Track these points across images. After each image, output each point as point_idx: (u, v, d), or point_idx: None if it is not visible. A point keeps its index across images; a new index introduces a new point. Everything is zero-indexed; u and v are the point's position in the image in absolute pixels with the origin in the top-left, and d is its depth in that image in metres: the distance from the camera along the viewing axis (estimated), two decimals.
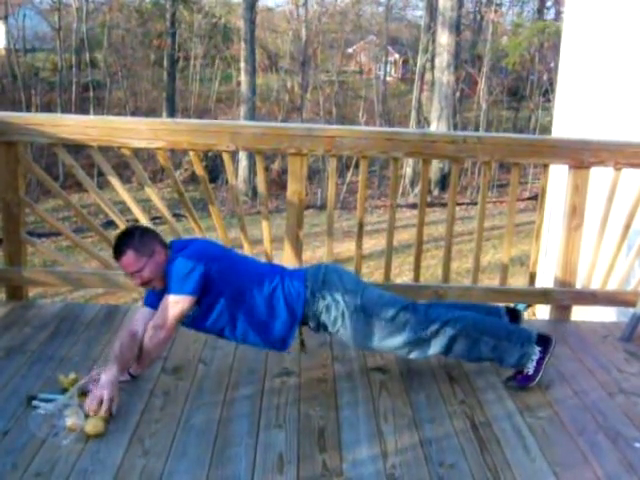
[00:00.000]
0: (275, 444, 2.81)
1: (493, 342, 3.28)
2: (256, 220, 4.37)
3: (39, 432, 2.78)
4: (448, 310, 3.36)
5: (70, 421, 2.80)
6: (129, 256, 3.12)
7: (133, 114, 25.35)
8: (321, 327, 3.28)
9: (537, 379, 3.32)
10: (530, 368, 3.33)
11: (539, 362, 3.32)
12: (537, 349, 3.32)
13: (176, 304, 3.10)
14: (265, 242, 4.24)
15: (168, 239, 3.37)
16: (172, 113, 26.44)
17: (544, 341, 3.35)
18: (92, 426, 2.79)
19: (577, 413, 3.17)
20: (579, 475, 2.72)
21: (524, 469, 2.72)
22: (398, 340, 3.23)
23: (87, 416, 2.83)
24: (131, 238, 3.17)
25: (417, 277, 4.35)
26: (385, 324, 3.20)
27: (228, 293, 3.19)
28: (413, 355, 3.30)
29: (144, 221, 4.15)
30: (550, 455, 2.81)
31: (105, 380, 2.97)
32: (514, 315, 3.65)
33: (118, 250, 3.16)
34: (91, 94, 26.42)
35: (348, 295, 3.21)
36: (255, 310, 3.21)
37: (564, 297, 4.26)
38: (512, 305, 3.82)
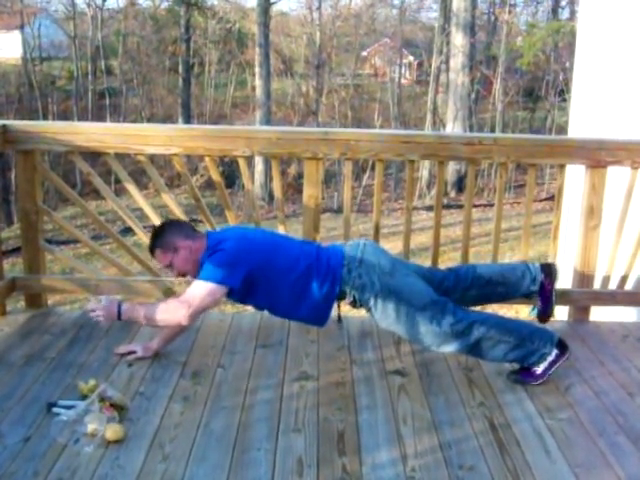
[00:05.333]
0: (294, 448, 2.81)
1: (515, 342, 3.29)
2: (273, 225, 4.37)
3: (60, 438, 2.79)
4: (475, 312, 3.39)
5: (91, 427, 2.81)
6: (157, 254, 3.42)
7: (149, 121, 25.48)
8: (357, 303, 3.37)
9: (542, 380, 3.34)
10: (540, 368, 3.34)
11: (551, 364, 3.33)
12: (555, 351, 3.32)
13: (211, 292, 3.21)
14: None
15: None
16: (188, 119, 26.57)
17: (562, 346, 3.35)
18: (112, 432, 2.81)
19: (597, 414, 3.15)
20: (600, 477, 2.70)
21: (544, 471, 2.71)
22: (422, 331, 3.27)
23: (108, 422, 2.85)
24: (157, 237, 3.44)
25: None
26: (413, 312, 3.25)
27: (263, 285, 3.33)
28: (434, 348, 3.34)
29: None
30: (570, 457, 2.80)
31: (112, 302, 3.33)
32: (549, 271, 3.67)
33: (150, 249, 3.46)
34: (107, 101, 26.61)
35: (384, 277, 3.29)
36: (292, 292, 3.33)
37: (583, 298, 4.24)
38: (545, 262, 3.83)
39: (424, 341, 3.32)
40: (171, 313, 3.23)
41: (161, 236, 3.42)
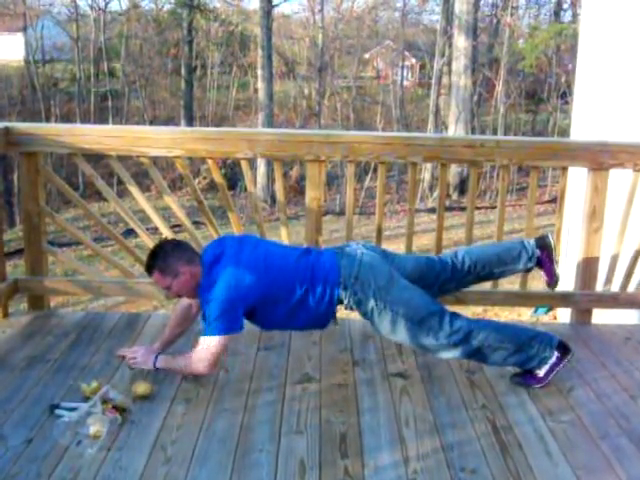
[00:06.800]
0: (296, 450, 2.81)
1: (514, 348, 3.29)
2: (275, 227, 4.38)
3: (62, 440, 2.80)
4: (472, 321, 3.37)
5: (93, 429, 2.81)
6: (156, 276, 3.29)
7: (151, 123, 25.52)
8: (354, 310, 3.36)
9: (544, 383, 3.34)
10: (542, 371, 3.34)
11: (552, 367, 3.33)
12: (555, 354, 3.32)
13: (219, 343, 3.15)
14: None
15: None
16: (190, 121, 26.57)
17: (563, 348, 3.35)
18: (143, 389, 3.10)
19: (599, 417, 3.15)
20: (602, 479, 2.70)
21: (546, 474, 2.71)
22: (421, 342, 3.27)
23: (109, 424, 2.86)
24: (156, 259, 3.29)
25: None
26: (411, 325, 3.23)
27: (260, 315, 3.31)
28: (433, 354, 3.36)
29: (164, 229, 4.18)
30: (573, 459, 2.80)
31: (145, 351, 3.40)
32: (543, 244, 3.66)
33: (147, 269, 3.33)
34: (109, 104, 26.60)
35: (379, 292, 3.25)
36: (290, 314, 3.30)
37: (585, 300, 4.24)
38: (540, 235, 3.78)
39: (423, 351, 3.36)
40: (194, 368, 3.21)
41: (162, 259, 3.26)
